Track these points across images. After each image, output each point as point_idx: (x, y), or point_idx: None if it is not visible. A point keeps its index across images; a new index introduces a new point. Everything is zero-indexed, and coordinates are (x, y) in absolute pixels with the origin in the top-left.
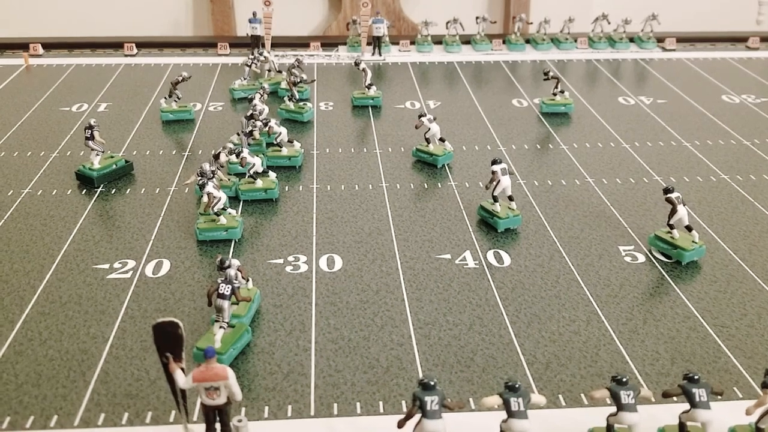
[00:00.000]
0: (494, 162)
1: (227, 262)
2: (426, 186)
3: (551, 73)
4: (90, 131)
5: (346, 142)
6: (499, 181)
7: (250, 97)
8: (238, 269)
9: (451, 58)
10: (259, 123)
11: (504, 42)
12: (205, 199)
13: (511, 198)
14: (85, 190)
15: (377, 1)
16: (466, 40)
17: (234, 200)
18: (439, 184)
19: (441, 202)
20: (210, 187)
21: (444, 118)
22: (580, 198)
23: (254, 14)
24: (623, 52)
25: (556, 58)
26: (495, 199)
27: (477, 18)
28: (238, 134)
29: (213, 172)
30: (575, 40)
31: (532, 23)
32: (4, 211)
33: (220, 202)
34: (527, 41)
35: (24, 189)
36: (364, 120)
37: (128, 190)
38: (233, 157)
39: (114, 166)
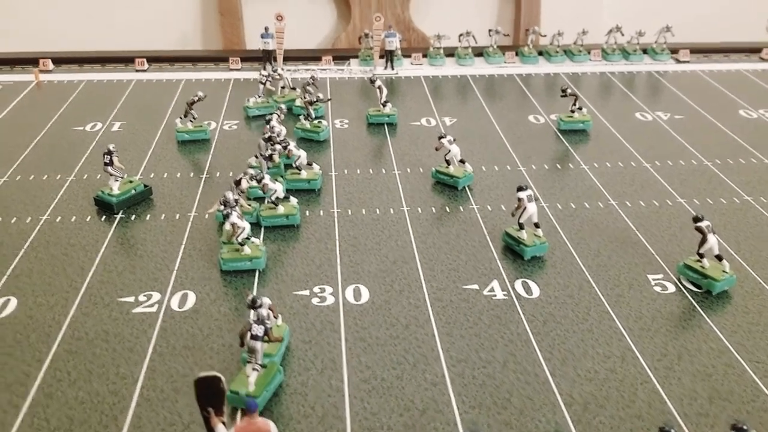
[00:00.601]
0: (520, 189)
1: (259, 301)
2: (448, 209)
3: (569, 91)
4: (109, 157)
5: (364, 163)
6: (525, 208)
7: (267, 118)
8: (269, 308)
9: (464, 71)
10: (278, 146)
11: (517, 54)
12: (227, 227)
13: (537, 225)
14: (104, 217)
15: (387, 12)
16: (479, 53)
17: (255, 226)
18: (460, 207)
19: (464, 226)
20: (234, 217)
21: (461, 135)
22: (604, 222)
23: (266, 29)
24: (637, 65)
25: (570, 71)
26: (521, 226)
27: (490, 31)
28: (257, 156)
29: (236, 200)
30: (588, 52)
31: (545, 35)
32: (23, 239)
33: (245, 231)
34: (540, 53)
35: (42, 215)
36: (380, 138)
37: (148, 216)
38: (254, 182)
39: (133, 191)
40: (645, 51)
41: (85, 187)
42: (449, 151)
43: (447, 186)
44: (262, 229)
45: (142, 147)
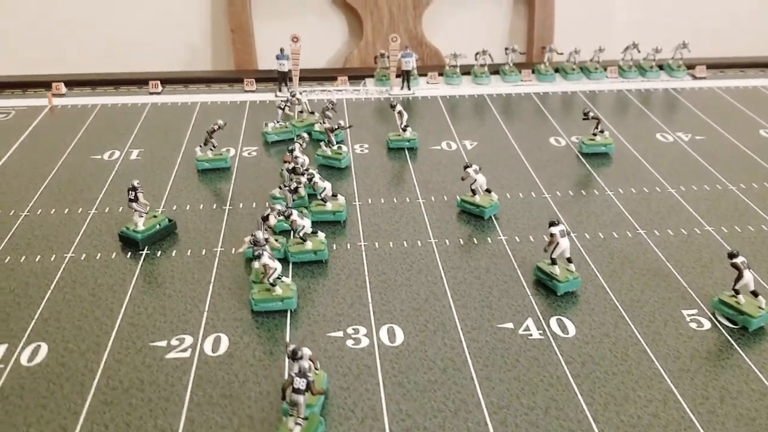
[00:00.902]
0: (552, 224)
1: (299, 353)
2: (475, 241)
3: (591, 114)
4: (134, 193)
5: (387, 191)
6: (558, 243)
7: (290, 147)
8: (309, 359)
9: (481, 90)
10: (303, 179)
11: (533, 72)
12: (256, 264)
13: (569, 260)
14: (129, 253)
15: (399, 27)
16: (494, 71)
17: (282, 261)
18: (488, 238)
19: (494, 259)
20: (266, 258)
21: (482, 160)
22: (634, 253)
23: (282, 51)
24: (654, 81)
25: (587, 89)
26: (553, 261)
27: (506, 49)
28: (280, 188)
29: (267, 239)
30: (605, 69)
31: (562, 53)
32: (50, 279)
33: (276, 272)
34: (556, 70)
35: (67, 253)
36: (401, 164)
37: (173, 251)
38: (281, 217)
39: (158, 227)
40: (661, 67)
41: (107, 221)
42: (475, 180)
43: (473, 215)
44: (290, 265)
45: (162, 177)
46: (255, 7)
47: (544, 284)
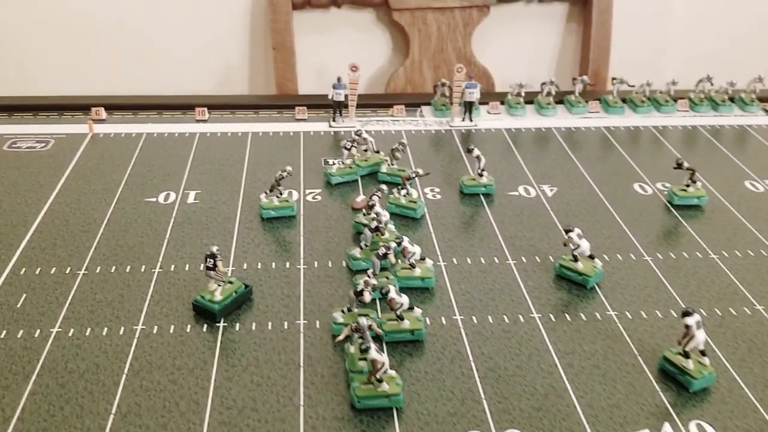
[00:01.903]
0: (686, 314)
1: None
2: (583, 317)
3: (685, 165)
4: (212, 260)
5: (472, 248)
6: (693, 336)
7: (370, 203)
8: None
9: (545, 122)
10: (393, 244)
11: (599, 101)
12: (351, 349)
13: (703, 353)
14: (205, 326)
15: (448, 46)
16: (559, 100)
17: (374, 339)
18: (596, 313)
19: (608, 342)
20: (374, 353)
21: (566, 210)
22: (758, 336)
23: (339, 80)
24: (727, 117)
25: (660, 124)
26: (686, 354)
27: (574, 79)
28: (361, 248)
29: (370, 326)
30: (675, 101)
31: (633, 86)
32: (122, 359)
33: (385, 366)
34: (623, 100)
35: (136, 325)
36: (480, 213)
37: (253, 324)
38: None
39: (234, 295)
40: (732, 99)
41: (175, 284)
42: (578, 246)
43: (573, 283)
44: (384, 345)
45: (226, 226)
46: (296, 24)
47: (673, 377)
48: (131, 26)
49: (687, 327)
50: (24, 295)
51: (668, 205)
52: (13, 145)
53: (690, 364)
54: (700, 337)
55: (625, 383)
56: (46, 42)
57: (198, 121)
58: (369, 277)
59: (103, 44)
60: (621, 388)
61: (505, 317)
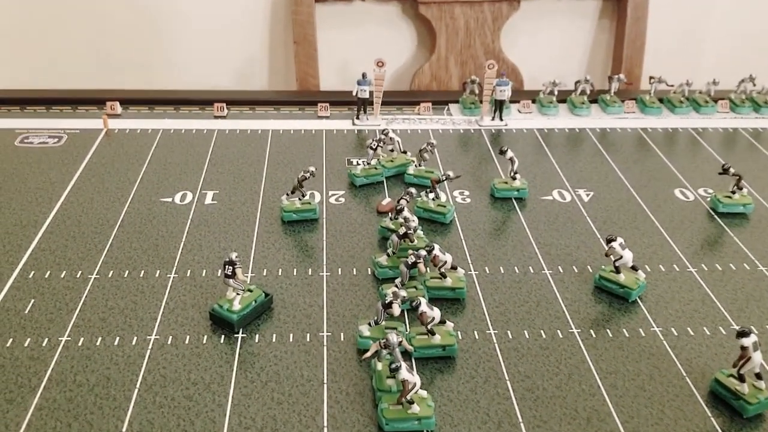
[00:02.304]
0: (742, 334)
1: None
2: (626, 333)
3: (731, 170)
4: (231, 268)
5: (505, 256)
6: (749, 358)
7: (398, 207)
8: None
9: (579, 122)
10: (422, 252)
11: (635, 101)
12: (378, 365)
13: (759, 376)
14: (223, 337)
15: (476, 41)
16: (593, 99)
17: (402, 354)
18: (640, 329)
19: (653, 360)
20: (405, 372)
21: (604, 217)
22: None
23: (364, 76)
24: None
25: (699, 126)
26: (742, 378)
27: (610, 78)
28: (388, 255)
29: (400, 342)
30: (716, 102)
31: (673, 86)
32: (134, 372)
33: (416, 387)
34: (660, 100)
35: (150, 334)
36: (511, 218)
37: (273, 335)
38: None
39: (254, 304)
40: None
41: (191, 290)
42: (620, 257)
43: (613, 295)
44: (414, 361)
45: (245, 229)
46: (318, 17)
47: (725, 401)
48: (148, 19)
49: (743, 348)
50: (32, 301)
51: (712, 212)
52: (26, 140)
53: (745, 388)
54: (757, 359)
55: (673, 407)
56: (60, 33)
57: (216, 117)
58: (397, 287)
59: (119, 37)
60: (669, 412)
61: (542, 332)
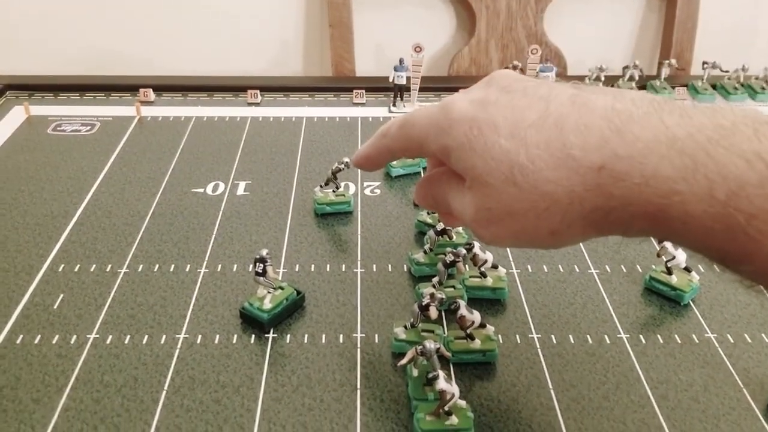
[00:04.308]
0: None
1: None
2: (678, 339)
3: None
4: (262, 266)
5: (549, 254)
6: None
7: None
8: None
9: None
10: (462, 250)
11: (686, 87)
12: (414, 372)
13: None
14: (253, 336)
15: (518, 24)
16: (642, 86)
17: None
18: (693, 335)
19: (707, 370)
20: (443, 382)
21: None
22: None
23: (401, 61)
24: None
25: None
26: None
27: (660, 63)
28: (425, 252)
29: (437, 349)
30: None
31: (728, 71)
32: (162, 372)
33: (455, 398)
34: (713, 86)
35: (179, 333)
36: None
37: (305, 336)
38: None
39: (285, 302)
40: None
41: (222, 287)
42: (673, 257)
43: (665, 298)
44: (452, 367)
45: (277, 222)
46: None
47: None
48: (182, 4)
49: None
50: (61, 296)
51: None
52: (58, 128)
53: None
54: None
55: (729, 421)
56: (94, 20)
57: (249, 104)
58: (434, 287)
59: (152, 22)
60: (725, 427)
61: (588, 337)
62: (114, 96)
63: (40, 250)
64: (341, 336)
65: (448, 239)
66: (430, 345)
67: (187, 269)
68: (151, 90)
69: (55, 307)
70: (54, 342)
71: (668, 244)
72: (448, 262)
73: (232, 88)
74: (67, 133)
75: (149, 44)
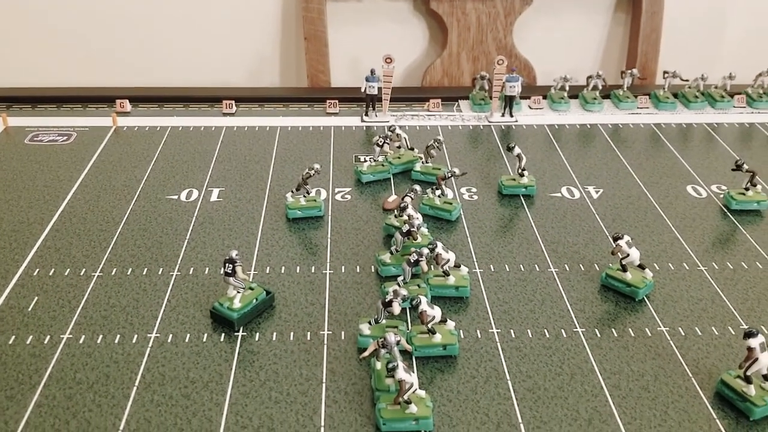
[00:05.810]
0: (749, 335)
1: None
2: (631, 333)
3: (745, 166)
4: (231, 266)
5: (510, 254)
6: (756, 359)
7: (402, 204)
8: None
9: (591, 118)
10: (425, 250)
11: (649, 96)
12: (377, 365)
13: (766, 377)
14: (223, 335)
15: (488, 37)
16: (606, 95)
17: (402, 353)
18: (646, 328)
19: (659, 361)
20: (401, 372)
21: (613, 214)
22: None
23: (372, 72)
24: None
25: (714, 121)
26: (748, 379)
27: (622, 72)
28: (392, 252)
29: (398, 341)
30: (732, 96)
31: (687, 80)
32: (134, 370)
33: (413, 387)
34: (675, 95)
35: (150, 333)
36: (519, 216)
37: (273, 334)
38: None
39: (254, 302)
40: None
41: (193, 288)
42: (627, 255)
43: (620, 294)
44: (414, 361)
45: (249, 227)
46: (329, 13)
47: (731, 403)
48: (158, 15)
49: (750, 349)
50: (36, 298)
51: (725, 209)
52: (35, 138)
53: (751, 390)
54: (765, 360)
55: (677, 409)
56: (71, 31)
57: (225, 114)
58: (399, 285)
59: (129, 34)
60: (673, 414)
61: (545, 331)
62: (91, 107)
63: (16, 255)
64: (309, 333)
65: (413, 240)
66: (391, 338)
67: (160, 272)
68: (127, 101)
69: (30, 309)
70: (28, 342)
71: (622, 243)
72: (412, 261)
73: (208, 99)
74: (44, 143)
75: (127, 56)
